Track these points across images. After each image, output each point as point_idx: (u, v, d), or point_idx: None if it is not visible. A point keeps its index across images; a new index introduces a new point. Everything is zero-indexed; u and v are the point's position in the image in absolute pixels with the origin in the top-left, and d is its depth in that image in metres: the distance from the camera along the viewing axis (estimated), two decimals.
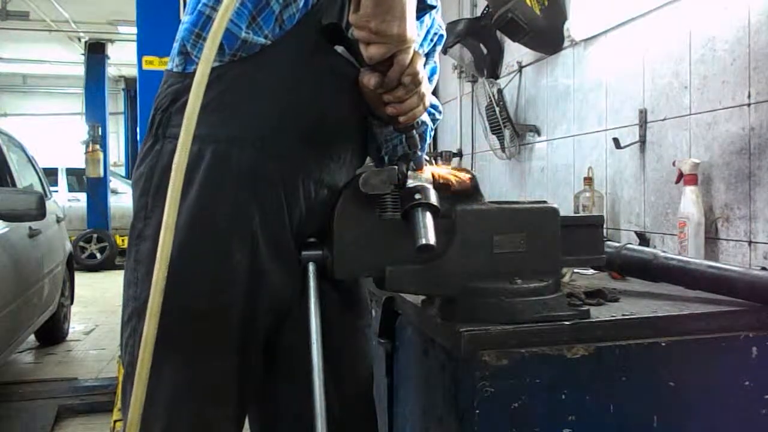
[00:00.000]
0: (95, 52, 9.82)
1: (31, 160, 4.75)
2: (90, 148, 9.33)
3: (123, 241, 9.02)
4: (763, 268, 1.49)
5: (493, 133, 3.10)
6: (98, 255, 9.34)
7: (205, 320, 1.06)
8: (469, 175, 1.10)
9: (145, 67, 2.72)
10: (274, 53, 1.06)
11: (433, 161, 1.08)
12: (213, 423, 1.09)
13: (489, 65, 3.22)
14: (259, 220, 1.07)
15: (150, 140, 1.12)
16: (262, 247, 1.08)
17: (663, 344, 1.12)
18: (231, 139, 1.07)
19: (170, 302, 0.91)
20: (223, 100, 1.06)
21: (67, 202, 9.82)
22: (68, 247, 4.93)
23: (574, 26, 2.53)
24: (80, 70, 10.32)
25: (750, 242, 1.68)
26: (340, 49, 1.09)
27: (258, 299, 1.09)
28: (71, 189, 10.56)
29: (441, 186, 1.07)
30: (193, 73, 0.85)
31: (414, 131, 1.10)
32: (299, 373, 1.12)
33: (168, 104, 1.10)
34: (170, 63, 1.13)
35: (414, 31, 1.01)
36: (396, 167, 1.06)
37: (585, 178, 2.28)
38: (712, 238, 1.79)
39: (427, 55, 1.30)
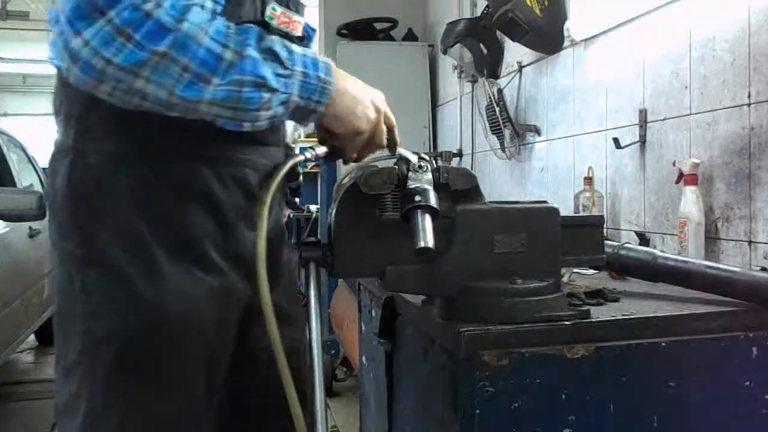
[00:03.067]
0: None
1: (31, 160, 4.75)
2: None
3: None
4: (763, 268, 1.49)
5: (493, 133, 3.10)
6: None
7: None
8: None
9: None
10: None
11: (433, 161, 1.08)
12: None
13: (489, 65, 3.22)
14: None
15: (70, 153, 1.01)
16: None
17: (663, 344, 1.12)
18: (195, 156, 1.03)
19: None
20: None
21: None
22: None
23: (574, 26, 2.53)
24: None
25: (750, 242, 1.68)
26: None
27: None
28: None
29: (441, 186, 1.07)
30: None
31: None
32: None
33: (83, 113, 1.00)
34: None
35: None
36: (396, 167, 1.06)
37: (585, 178, 2.28)
38: (712, 238, 1.79)
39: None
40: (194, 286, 1.02)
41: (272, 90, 0.90)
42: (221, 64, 0.87)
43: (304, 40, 1.14)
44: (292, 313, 1.22)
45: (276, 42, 0.93)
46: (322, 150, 1.08)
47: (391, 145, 1.11)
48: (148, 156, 1.01)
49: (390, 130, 1.10)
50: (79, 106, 1.00)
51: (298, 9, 1.12)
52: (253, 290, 1.07)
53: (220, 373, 1.08)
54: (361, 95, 1.02)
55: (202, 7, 0.89)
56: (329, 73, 0.97)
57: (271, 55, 0.91)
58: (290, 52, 0.94)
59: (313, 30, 1.21)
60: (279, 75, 0.91)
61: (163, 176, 1.01)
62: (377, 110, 1.04)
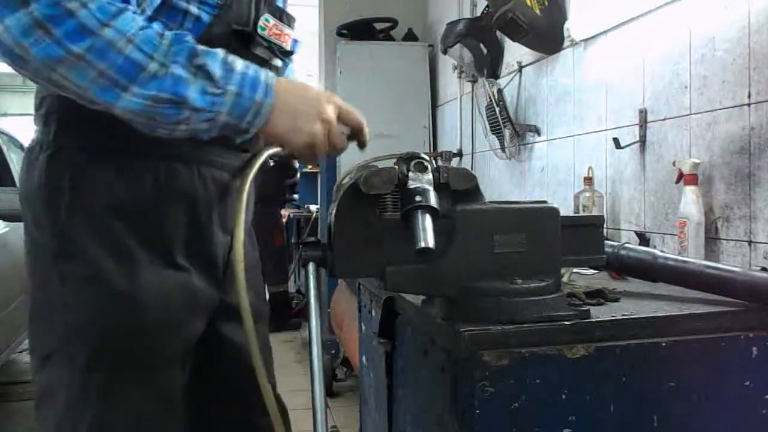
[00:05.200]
0: None
1: None
2: None
3: None
4: (763, 268, 1.49)
5: (493, 133, 3.10)
6: None
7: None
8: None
9: None
10: None
11: (433, 161, 1.09)
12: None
13: (489, 65, 3.21)
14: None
15: (49, 148, 1.03)
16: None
17: (663, 344, 1.12)
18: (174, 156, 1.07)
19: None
20: None
21: None
22: None
23: (574, 26, 2.53)
24: None
25: (750, 242, 1.68)
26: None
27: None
28: None
29: (441, 186, 1.07)
30: None
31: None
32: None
33: (64, 110, 1.02)
34: None
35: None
36: (396, 167, 1.06)
37: (585, 178, 2.28)
38: (712, 238, 1.79)
39: None
40: (167, 280, 1.06)
41: (194, 109, 0.92)
42: (142, 74, 0.88)
43: (291, 54, 1.18)
44: (261, 309, 1.30)
45: (213, 59, 0.93)
46: (285, 150, 1.09)
47: (360, 144, 1.13)
48: (127, 154, 1.03)
49: (357, 130, 1.10)
50: (60, 103, 1.01)
51: (290, 23, 1.15)
52: (224, 289, 1.14)
53: (189, 363, 1.13)
54: (304, 109, 1.01)
55: (136, 12, 0.90)
56: (268, 94, 0.98)
57: (202, 73, 0.92)
58: (228, 70, 0.94)
59: (298, 42, 1.23)
60: (207, 93, 0.92)
61: (142, 174, 1.04)
62: (324, 121, 1.03)
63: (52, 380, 1.05)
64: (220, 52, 0.95)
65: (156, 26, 0.92)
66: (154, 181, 1.05)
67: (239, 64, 0.96)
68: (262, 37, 1.07)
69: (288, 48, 1.16)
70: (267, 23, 1.08)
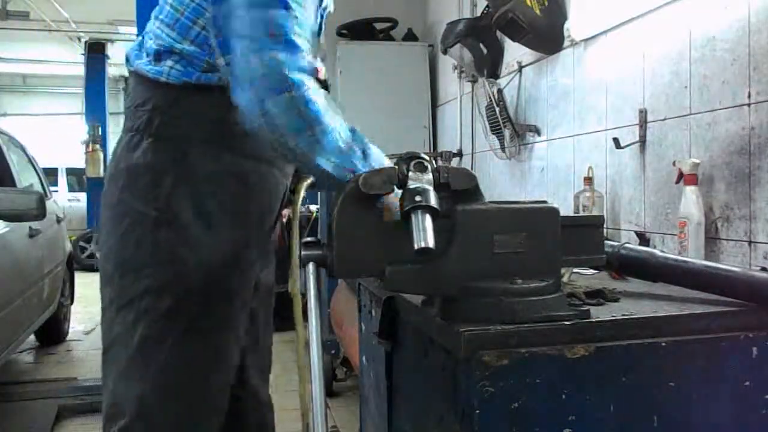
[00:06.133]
0: (95, 52, 9.81)
1: (31, 160, 4.75)
2: (90, 148, 9.32)
3: None
4: (763, 268, 1.49)
5: (493, 133, 3.10)
6: (98, 255, 9.33)
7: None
8: None
9: None
10: None
11: (433, 161, 1.09)
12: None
13: (489, 65, 3.22)
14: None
15: (152, 135, 1.26)
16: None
17: (663, 344, 1.12)
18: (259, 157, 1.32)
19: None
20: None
21: (67, 202, 9.82)
22: (68, 247, 4.93)
23: (574, 26, 2.53)
24: (80, 70, 10.30)
25: (750, 242, 1.68)
26: None
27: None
28: (71, 189, 10.56)
29: (441, 186, 1.07)
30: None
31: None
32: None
33: (168, 106, 1.26)
34: (159, 67, 1.26)
35: None
36: (396, 167, 1.06)
37: (585, 178, 2.28)
38: (712, 238, 1.79)
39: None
40: (242, 247, 1.30)
41: (353, 171, 1.15)
42: (342, 153, 1.15)
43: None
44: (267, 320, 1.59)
45: (367, 145, 1.19)
46: None
47: None
48: (222, 146, 1.27)
49: None
50: (165, 100, 1.26)
51: (323, 58, 1.35)
52: (263, 264, 1.46)
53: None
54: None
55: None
56: (366, 166, 1.18)
57: (365, 154, 1.17)
58: (366, 156, 1.18)
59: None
60: (365, 165, 1.16)
61: (234, 165, 1.29)
62: None
63: (127, 325, 1.24)
64: (365, 138, 1.20)
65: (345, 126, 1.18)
66: (243, 174, 1.29)
67: (373, 148, 1.20)
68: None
69: (324, 78, 1.35)
70: (320, 69, 1.25)
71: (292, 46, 1.13)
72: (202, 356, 1.27)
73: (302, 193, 1.40)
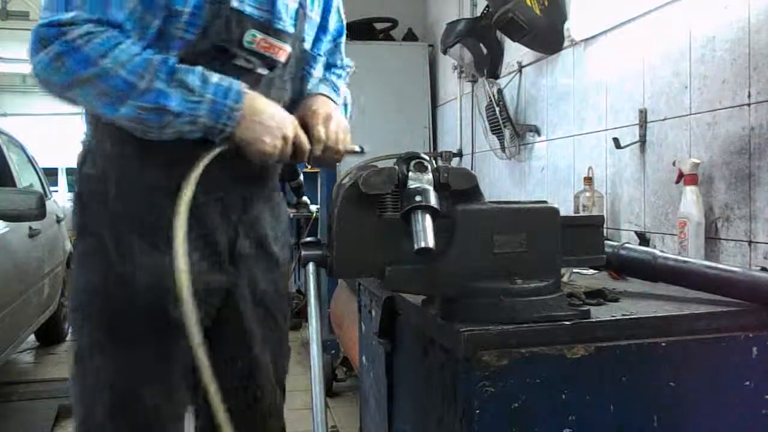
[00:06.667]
0: None
1: (31, 160, 4.75)
2: None
3: None
4: (763, 268, 1.49)
5: (493, 133, 3.10)
6: None
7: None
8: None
9: None
10: None
11: (433, 161, 1.09)
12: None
13: (489, 65, 3.22)
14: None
15: (86, 147, 1.28)
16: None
17: (663, 344, 1.12)
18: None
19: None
20: None
21: (67, 202, 9.80)
22: (68, 247, 4.93)
23: (574, 26, 2.53)
24: None
25: (750, 242, 1.68)
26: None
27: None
28: (71, 189, 10.55)
29: (441, 186, 1.07)
30: None
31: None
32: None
33: (93, 117, 1.25)
34: None
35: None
36: (396, 167, 1.06)
37: (585, 178, 2.28)
38: (712, 238, 1.79)
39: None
40: (158, 264, 1.19)
41: (175, 114, 1.13)
42: (134, 90, 1.11)
43: (288, 65, 1.33)
44: (277, 303, 1.41)
45: (191, 74, 1.14)
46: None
47: (297, 161, 1.28)
48: (135, 155, 1.22)
49: (300, 153, 1.25)
50: (91, 113, 1.25)
51: (281, 38, 1.28)
52: (235, 275, 1.32)
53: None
54: (272, 125, 1.19)
55: (134, 43, 1.13)
56: (239, 101, 1.17)
57: (182, 86, 1.13)
58: (204, 82, 1.15)
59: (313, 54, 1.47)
60: (186, 101, 1.13)
61: (148, 172, 1.23)
62: (284, 138, 1.20)
63: (71, 335, 1.29)
64: (198, 68, 1.16)
65: (148, 53, 1.14)
66: (158, 179, 1.22)
67: (215, 77, 1.16)
68: (249, 50, 1.24)
69: (282, 59, 1.30)
70: (254, 38, 1.23)
71: (58, 4, 1.12)
72: (115, 375, 1.22)
73: (198, 169, 1.14)
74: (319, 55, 1.50)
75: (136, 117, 1.12)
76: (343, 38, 1.66)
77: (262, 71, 1.29)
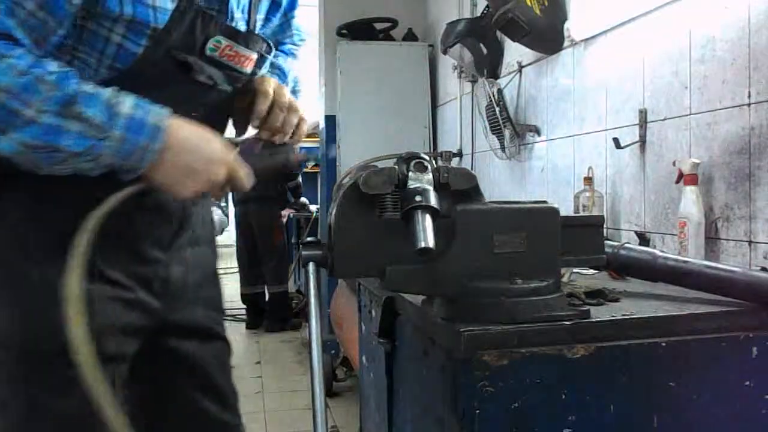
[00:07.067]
0: None
1: None
2: None
3: None
4: (763, 268, 1.49)
5: (493, 133, 3.10)
6: None
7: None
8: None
9: None
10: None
11: (433, 161, 1.09)
12: None
13: (489, 65, 3.22)
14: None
15: None
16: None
17: (663, 344, 1.12)
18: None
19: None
20: None
21: None
22: None
23: (574, 26, 2.53)
24: None
25: (750, 242, 1.68)
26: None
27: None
28: None
29: (441, 186, 1.07)
30: None
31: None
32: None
33: None
34: None
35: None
36: (396, 167, 1.06)
37: (585, 178, 2.28)
38: (712, 238, 1.79)
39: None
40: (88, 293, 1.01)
41: (71, 154, 0.94)
42: (17, 120, 0.91)
43: (256, 74, 1.18)
44: (213, 326, 1.29)
45: (94, 104, 0.94)
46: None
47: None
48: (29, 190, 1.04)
49: (235, 186, 1.08)
50: None
51: (249, 45, 1.12)
52: (171, 306, 1.18)
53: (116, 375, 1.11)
54: (197, 168, 1.00)
55: (25, 53, 0.92)
56: (156, 138, 0.97)
57: (80, 120, 0.93)
58: (112, 114, 0.95)
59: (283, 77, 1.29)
60: (86, 138, 0.93)
61: (71, 199, 1.02)
62: (212, 183, 1.03)
63: None
64: (105, 93, 0.96)
65: (45, 67, 0.93)
66: (82, 207, 0.99)
67: (126, 106, 0.97)
68: (211, 58, 1.06)
69: (246, 70, 1.14)
70: (218, 44, 1.06)
71: None
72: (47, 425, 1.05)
73: (104, 209, 0.97)
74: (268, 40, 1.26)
75: (22, 153, 0.93)
76: (296, 12, 1.37)
77: (224, 87, 1.12)
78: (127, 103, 0.97)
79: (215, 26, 1.06)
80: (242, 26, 1.13)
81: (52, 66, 0.94)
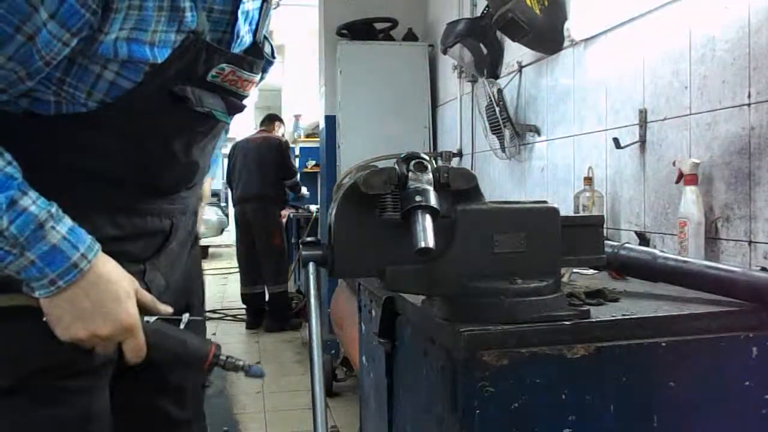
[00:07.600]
0: None
1: None
2: None
3: None
4: (763, 268, 1.49)
5: (493, 133, 3.10)
6: None
7: None
8: None
9: None
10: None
11: (433, 161, 1.09)
12: None
13: (489, 65, 3.22)
14: None
15: None
16: None
17: (663, 344, 1.12)
18: None
19: None
20: None
21: None
22: None
23: (574, 26, 2.53)
24: None
25: (750, 242, 1.68)
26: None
27: None
28: None
29: (441, 186, 1.07)
30: None
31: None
32: None
33: None
34: None
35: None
36: (396, 167, 1.06)
37: (585, 178, 2.28)
38: (712, 238, 1.79)
39: None
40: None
41: None
42: None
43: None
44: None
45: (23, 221, 0.89)
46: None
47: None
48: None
49: (135, 349, 1.00)
50: None
51: (254, 68, 1.09)
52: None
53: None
54: (85, 318, 0.94)
55: None
56: (65, 277, 0.92)
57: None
58: (35, 238, 0.89)
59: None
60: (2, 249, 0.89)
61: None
62: (105, 341, 0.97)
63: None
64: (41, 213, 0.90)
65: None
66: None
67: (56, 235, 0.91)
68: (213, 83, 1.03)
69: (247, 93, 1.11)
70: (221, 72, 1.03)
71: None
72: None
73: None
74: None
75: None
76: None
77: (222, 117, 1.07)
78: (59, 229, 0.91)
79: (220, 56, 1.02)
80: (248, 40, 1.10)
81: (1, 161, 0.89)
